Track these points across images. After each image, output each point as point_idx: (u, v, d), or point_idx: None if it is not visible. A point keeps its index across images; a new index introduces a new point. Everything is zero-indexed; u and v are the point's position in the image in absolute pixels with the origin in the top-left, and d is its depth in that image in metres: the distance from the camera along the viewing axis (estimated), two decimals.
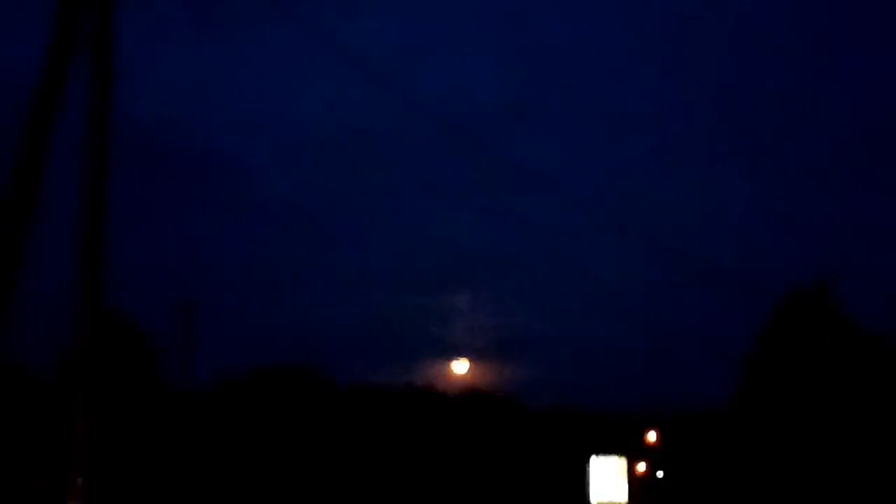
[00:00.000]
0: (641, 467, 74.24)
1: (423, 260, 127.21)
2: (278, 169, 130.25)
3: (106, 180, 12.15)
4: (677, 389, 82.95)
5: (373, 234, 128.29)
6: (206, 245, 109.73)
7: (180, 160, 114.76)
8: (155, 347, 51.10)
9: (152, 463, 44.74)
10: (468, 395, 70.22)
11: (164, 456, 45.75)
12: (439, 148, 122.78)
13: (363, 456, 56.74)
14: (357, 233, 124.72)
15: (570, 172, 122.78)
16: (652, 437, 76.83)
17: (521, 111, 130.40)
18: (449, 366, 58.36)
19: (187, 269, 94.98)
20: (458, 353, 62.77)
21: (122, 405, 41.11)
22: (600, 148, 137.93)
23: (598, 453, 58.85)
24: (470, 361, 57.89)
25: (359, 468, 55.96)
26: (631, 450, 64.36)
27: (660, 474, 75.26)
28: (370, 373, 78.52)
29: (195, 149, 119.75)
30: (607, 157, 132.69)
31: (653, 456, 74.93)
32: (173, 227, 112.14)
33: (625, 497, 59.04)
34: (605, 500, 58.47)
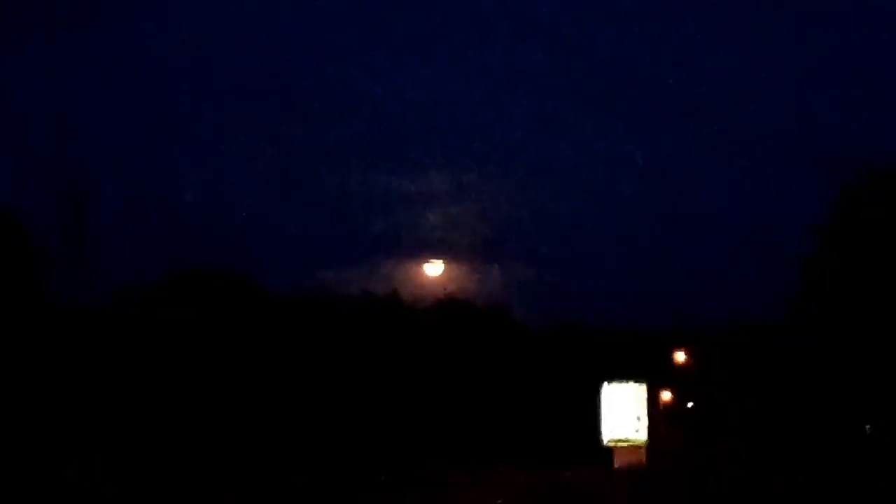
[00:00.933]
0: (666, 396, 74.03)
1: (386, 128, 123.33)
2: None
3: None
4: (714, 299, 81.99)
5: (319, 93, 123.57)
6: (100, 111, 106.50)
7: None
8: (39, 249, 49.92)
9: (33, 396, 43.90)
10: (443, 305, 69.48)
11: (50, 386, 44.90)
12: None
13: (305, 383, 56.12)
14: (298, 91, 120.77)
15: (583, 20, 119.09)
16: (680, 357, 76.17)
17: None
18: (419, 269, 57.71)
19: (77, 147, 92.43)
20: (430, 254, 62.05)
21: None
22: None
23: (611, 380, 58.24)
24: (445, 263, 57.29)
25: (299, 398, 55.44)
26: (654, 375, 63.96)
27: (690, 404, 75.16)
28: (315, 279, 77.11)
29: None
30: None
31: (682, 382, 74.69)
32: (57, 86, 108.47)
33: (644, 434, 58.60)
34: (621, 438, 58.00)
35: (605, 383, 58.86)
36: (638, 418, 58.80)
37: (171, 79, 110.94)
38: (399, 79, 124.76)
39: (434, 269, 56.78)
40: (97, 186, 52.90)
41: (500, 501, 38.72)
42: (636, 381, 59.66)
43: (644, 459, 56.02)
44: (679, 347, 75.77)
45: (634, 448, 57.15)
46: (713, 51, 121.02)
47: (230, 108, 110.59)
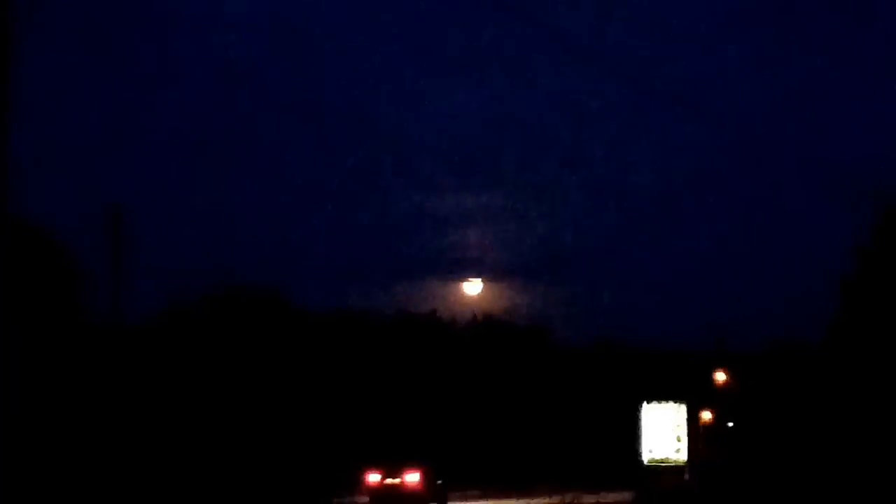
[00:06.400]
0: (707, 416, 74.55)
1: (425, 148, 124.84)
2: (226, 20, 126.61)
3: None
4: (755, 320, 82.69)
5: (358, 115, 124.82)
6: (136, 132, 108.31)
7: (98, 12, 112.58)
8: (76, 269, 50.67)
9: (71, 414, 44.92)
10: (482, 324, 70.22)
11: (87, 406, 45.90)
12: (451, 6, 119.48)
13: (343, 401, 57.37)
14: (336, 112, 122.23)
15: (615, 37, 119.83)
16: (721, 377, 77.09)
17: None
18: (458, 288, 58.43)
19: (112, 168, 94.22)
20: (469, 272, 62.60)
21: (34, 341, 41.02)
22: (653, 6, 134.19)
23: (651, 400, 59.08)
24: (485, 282, 57.93)
25: (337, 417, 56.69)
26: (694, 394, 64.63)
27: (731, 424, 75.63)
28: (353, 298, 77.90)
29: None
30: (664, 15, 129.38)
31: (722, 402, 75.25)
32: (96, 111, 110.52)
33: (684, 454, 59.40)
34: (660, 458, 58.90)
35: (645, 403, 59.62)
36: (678, 438, 59.39)
37: (209, 100, 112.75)
38: (437, 101, 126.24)
39: (473, 287, 57.37)
40: (137, 206, 53.82)
41: None
42: (676, 402, 60.25)
43: (683, 479, 56.78)
44: (719, 367, 76.95)
45: (674, 468, 57.80)
46: (758, 77, 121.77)
47: (268, 129, 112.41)
